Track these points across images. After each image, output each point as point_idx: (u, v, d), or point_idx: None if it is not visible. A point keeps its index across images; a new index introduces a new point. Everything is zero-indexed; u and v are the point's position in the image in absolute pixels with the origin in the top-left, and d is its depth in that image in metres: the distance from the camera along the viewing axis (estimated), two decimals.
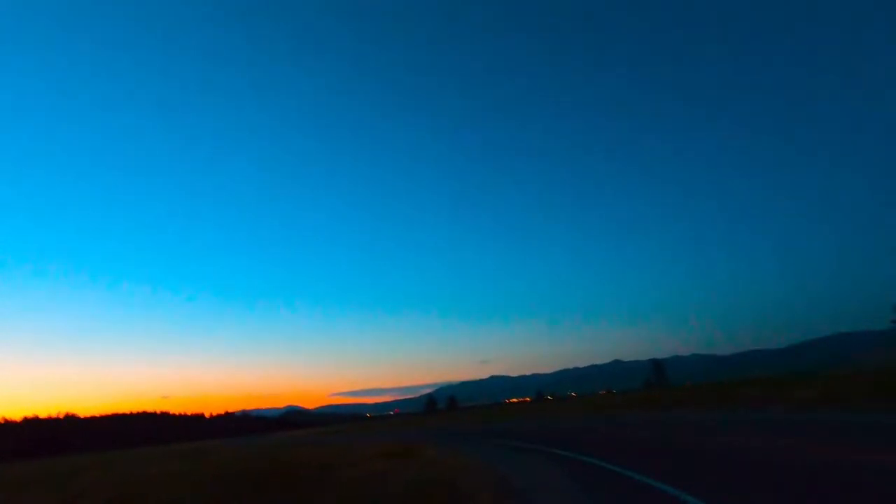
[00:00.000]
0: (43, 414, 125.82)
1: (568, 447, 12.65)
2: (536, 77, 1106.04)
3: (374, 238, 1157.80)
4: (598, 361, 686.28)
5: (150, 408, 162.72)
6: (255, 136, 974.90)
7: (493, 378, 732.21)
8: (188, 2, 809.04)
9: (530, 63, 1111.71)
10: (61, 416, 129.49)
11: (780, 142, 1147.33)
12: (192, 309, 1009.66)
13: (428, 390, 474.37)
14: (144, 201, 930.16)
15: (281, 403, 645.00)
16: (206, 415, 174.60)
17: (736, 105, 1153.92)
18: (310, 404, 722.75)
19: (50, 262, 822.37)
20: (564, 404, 62.73)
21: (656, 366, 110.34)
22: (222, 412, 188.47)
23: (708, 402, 22.76)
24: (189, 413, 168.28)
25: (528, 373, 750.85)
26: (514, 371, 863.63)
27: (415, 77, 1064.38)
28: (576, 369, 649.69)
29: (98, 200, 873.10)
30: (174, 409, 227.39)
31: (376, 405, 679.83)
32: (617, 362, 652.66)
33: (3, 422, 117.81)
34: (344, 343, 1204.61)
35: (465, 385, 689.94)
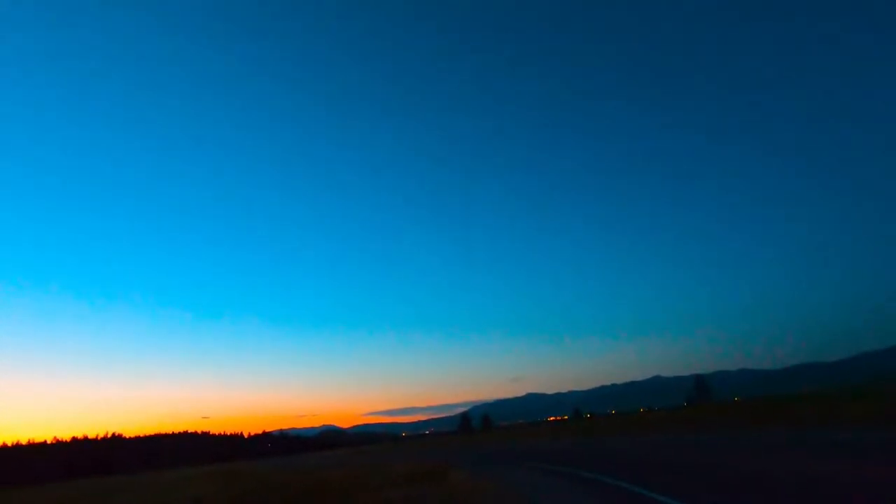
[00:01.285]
0: (91, 434, 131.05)
1: (605, 470, 11.90)
2: (560, 86, 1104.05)
3: (407, 259, 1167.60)
4: (638, 378, 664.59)
5: (191, 428, 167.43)
6: (299, 163, 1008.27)
7: (528, 396, 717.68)
8: (205, 25, 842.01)
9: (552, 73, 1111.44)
10: (108, 437, 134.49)
11: (829, 148, 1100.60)
12: (232, 333, 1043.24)
13: (462, 409, 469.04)
14: (183, 229, 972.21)
15: (317, 423, 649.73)
16: (245, 434, 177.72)
17: (782, 110, 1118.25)
18: (345, 423, 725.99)
19: (96, 290, 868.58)
20: (603, 423, 60.58)
21: (699, 381, 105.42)
22: (260, 432, 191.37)
23: (752, 420, 21.33)
24: (229, 433, 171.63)
25: (564, 390, 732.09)
26: (550, 388, 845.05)
27: (472, 88, 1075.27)
28: (614, 386, 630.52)
29: (139, 228, 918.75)
30: (214, 429, 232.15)
31: (411, 424, 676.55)
32: (657, 378, 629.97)
33: (54, 441, 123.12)
34: (378, 362, 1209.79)
35: (500, 403, 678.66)
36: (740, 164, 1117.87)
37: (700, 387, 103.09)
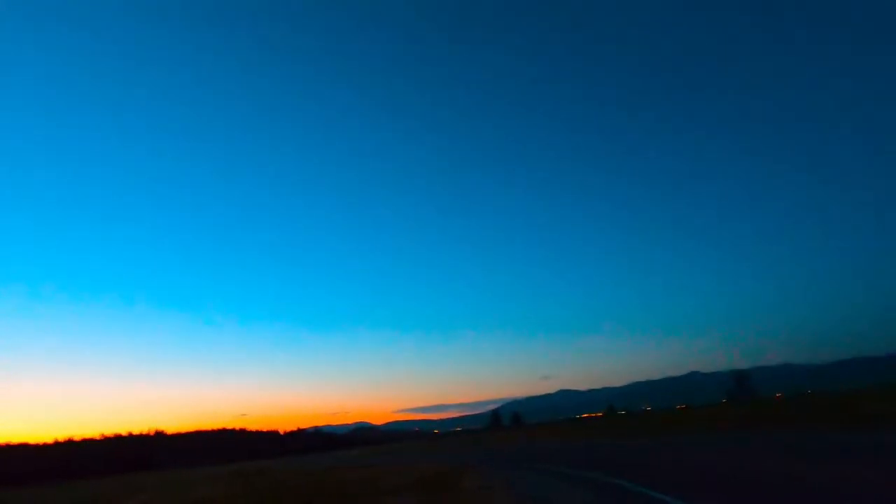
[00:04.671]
0: (135, 431, 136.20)
1: (643, 480, 10.72)
2: (574, 78, 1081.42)
3: (437, 257, 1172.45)
4: (674, 373, 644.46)
5: (229, 425, 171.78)
6: (326, 171, 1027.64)
7: (560, 392, 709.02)
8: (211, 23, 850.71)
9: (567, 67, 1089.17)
10: (152, 433, 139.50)
11: (871, 139, 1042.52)
12: (269, 334, 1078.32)
13: (494, 405, 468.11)
14: (221, 238, 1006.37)
15: (350, 420, 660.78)
16: (281, 431, 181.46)
17: (832, 98, 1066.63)
18: (378, 420, 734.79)
19: (143, 295, 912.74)
20: (638, 421, 58.57)
21: (739, 377, 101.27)
22: (295, 429, 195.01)
23: (822, 420, 19.51)
24: (265, 430, 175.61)
25: (597, 386, 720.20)
26: (582, 385, 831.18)
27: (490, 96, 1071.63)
28: (649, 382, 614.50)
29: (179, 236, 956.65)
30: (252, 426, 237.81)
31: (442, 421, 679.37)
32: (694, 374, 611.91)
33: (101, 438, 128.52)
34: (411, 360, 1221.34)
35: (531, 400, 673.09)
36: (776, 151, 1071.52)
37: (740, 382, 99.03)
